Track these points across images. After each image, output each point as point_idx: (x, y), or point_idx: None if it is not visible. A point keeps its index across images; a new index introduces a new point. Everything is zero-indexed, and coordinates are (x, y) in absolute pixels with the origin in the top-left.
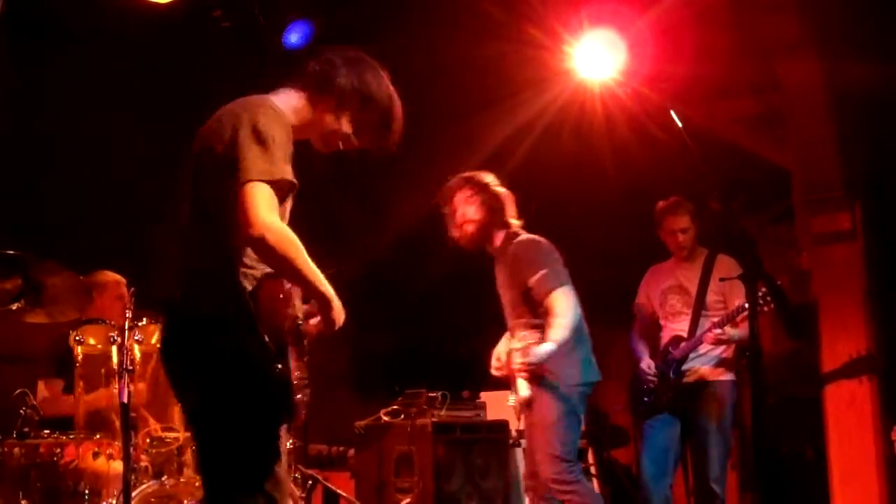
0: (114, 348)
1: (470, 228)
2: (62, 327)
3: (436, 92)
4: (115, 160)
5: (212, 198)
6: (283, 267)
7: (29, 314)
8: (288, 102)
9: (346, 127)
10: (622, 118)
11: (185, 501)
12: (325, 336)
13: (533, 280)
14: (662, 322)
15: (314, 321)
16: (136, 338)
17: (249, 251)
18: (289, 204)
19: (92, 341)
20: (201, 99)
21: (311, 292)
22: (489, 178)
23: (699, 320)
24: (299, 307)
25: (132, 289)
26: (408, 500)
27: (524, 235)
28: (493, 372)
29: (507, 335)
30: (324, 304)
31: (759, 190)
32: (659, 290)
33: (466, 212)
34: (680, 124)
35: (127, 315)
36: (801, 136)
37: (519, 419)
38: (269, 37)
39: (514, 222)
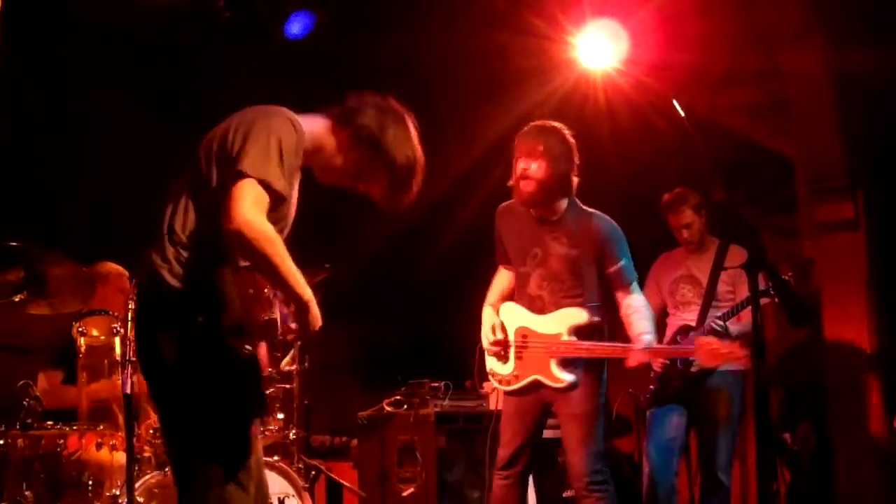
0: (116, 339)
1: (531, 186)
2: (65, 318)
3: (439, 82)
4: (120, 151)
5: (211, 184)
6: (259, 263)
7: (31, 305)
8: (310, 123)
9: (344, 165)
10: (625, 108)
11: None
12: (302, 340)
13: (619, 265)
14: (671, 311)
15: (293, 325)
16: None
17: None
18: (289, 210)
19: (94, 332)
20: (205, 89)
21: (287, 292)
22: (568, 135)
23: (709, 310)
24: (276, 310)
25: (135, 280)
26: (410, 489)
27: (599, 213)
28: (489, 346)
29: (491, 307)
30: (300, 306)
31: (762, 179)
32: (669, 280)
33: (532, 167)
34: (682, 113)
35: (129, 306)
36: (804, 124)
37: (495, 404)
38: (270, 27)
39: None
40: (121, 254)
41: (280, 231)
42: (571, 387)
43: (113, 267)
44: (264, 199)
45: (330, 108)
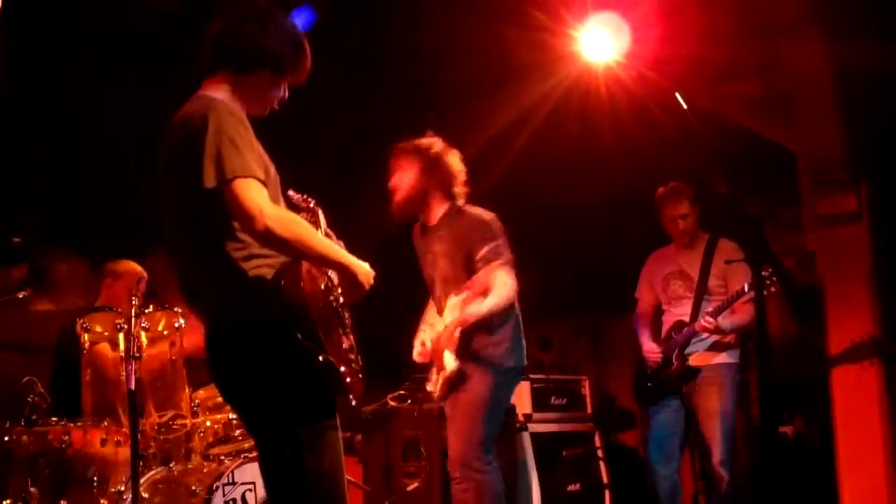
0: (121, 335)
1: (397, 196)
2: (69, 315)
3: (441, 75)
4: (125, 147)
5: (196, 210)
6: (296, 250)
7: (35, 302)
8: (226, 93)
9: (285, 90)
10: (627, 101)
11: (193, 487)
12: (359, 301)
13: (483, 251)
14: (665, 307)
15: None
16: (142, 325)
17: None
18: (280, 202)
19: (98, 329)
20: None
21: (329, 266)
22: (437, 146)
23: (701, 305)
24: (332, 278)
25: (142, 277)
26: (415, 484)
27: (475, 208)
28: (416, 358)
29: (427, 323)
30: (346, 274)
31: (765, 172)
32: (661, 276)
33: (401, 179)
34: (685, 106)
35: (133, 302)
36: (806, 117)
37: (441, 398)
38: None
39: (459, 193)
40: (132, 252)
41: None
42: (458, 375)
43: (129, 265)
44: (262, 190)
45: (213, 66)
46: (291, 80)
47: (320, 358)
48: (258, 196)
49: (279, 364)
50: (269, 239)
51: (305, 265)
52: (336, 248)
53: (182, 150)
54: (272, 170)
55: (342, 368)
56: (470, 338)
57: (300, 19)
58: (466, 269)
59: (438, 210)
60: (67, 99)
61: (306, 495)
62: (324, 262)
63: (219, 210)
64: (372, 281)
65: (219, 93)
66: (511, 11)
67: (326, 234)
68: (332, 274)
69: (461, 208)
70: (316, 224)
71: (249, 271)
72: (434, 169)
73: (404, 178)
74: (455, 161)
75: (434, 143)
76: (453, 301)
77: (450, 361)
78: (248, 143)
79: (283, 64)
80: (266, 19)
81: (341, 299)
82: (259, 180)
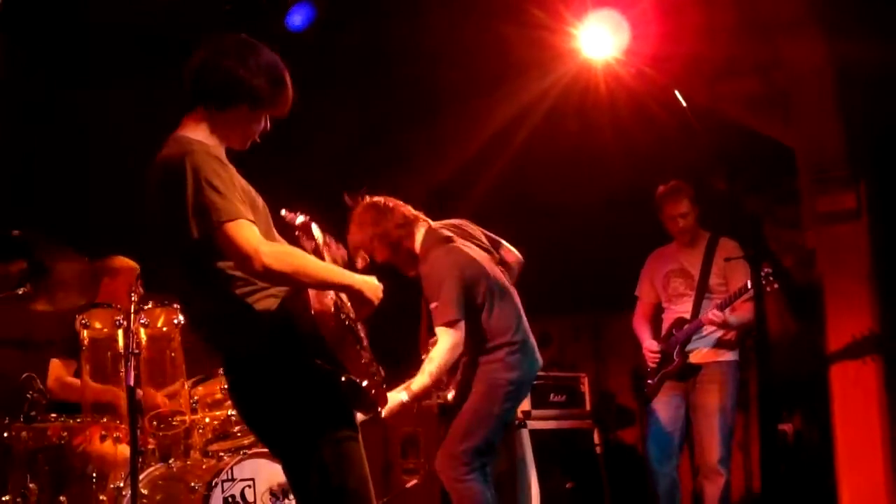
0: (119, 332)
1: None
2: (69, 311)
3: (440, 73)
4: (126, 143)
5: (190, 257)
6: (298, 281)
7: (33, 301)
8: (204, 130)
9: (266, 122)
10: (626, 98)
11: (192, 483)
12: (369, 315)
13: (431, 308)
14: (665, 305)
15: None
16: (142, 321)
17: None
18: (272, 232)
19: (98, 325)
20: None
21: (334, 289)
22: (373, 211)
23: (702, 302)
24: (342, 296)
25: (140, 273)
26: (414, 480)
27: (429, 257)
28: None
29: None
30: (351, 293)
31: (764, 169)
32: (662, 274)
33: (376, 255)
34: (684, 104)
35: (133, 299)
36: (806, 114)
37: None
38: (271, 19)
39: (405, 235)
40: (130, 248)
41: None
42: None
43: (126, 262)
44: (252, 228)
45: (193, 103)
46: (272, 113)
47: (343, 378)
48: (251, 236)
49: (300, 390)
50: (269, 276)
51: (307, 295)
52: (337, 271)
53: (164, 200)
54: (259, 201)
55: (365, 383)
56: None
57: (299, 17)
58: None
59: (414, 261)
60: (68, 95)
61: None
62: (327, 286)
63: (213, 254)
64: (380, 294)
65: (196, 132)
66: (510, 9)
67: (325, 244)
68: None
69: (416, 259)
70: (310, 238)
71: (255, 304)
72: (375, 228)
73: (378, 255)
74: (383, 212)
75: (372, 202)
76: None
77: (393, 397)
78: (229, 185)
79: (261, 99)
80: (245, 53)
81: (353, 315)
82: (248, 220)
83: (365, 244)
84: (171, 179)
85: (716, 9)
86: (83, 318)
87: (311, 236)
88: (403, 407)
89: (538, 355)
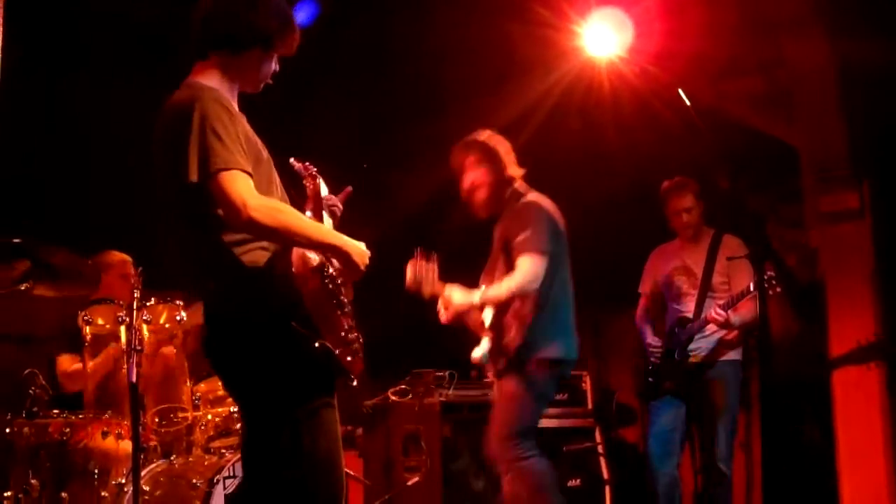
0: (122, 328)
1: (482, 194)
2: (71, 306)
3: (444, 71)
4: (121, 143)
5: (186, 200)
6: (284, 238)
7: (37, 290)
8: (216, 76)
9: (276, 64)
10: (629, 96)
11: (194, 480)
12: (357, 280)
13: (517, 240)
14: (668, 303)
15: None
16: (144, 318)
17: None
18: (271, 175)
19: (100, 321)
20: None
21: (321, 249)
22: (485, 136)
23: (705, 301)
24: (328, 259)
25: (139, 268)
26: (415, 478)
27: (530, 196)
28: (442, 317)
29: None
30: (339, 255)
31: (767, 168)
32: (665, 272)
33: (475, 177)
34: (687, 102)
35: (135, 294)
36: (809, 114)
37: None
38: None
39: (516, 175)
40: (126, 243)
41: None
42: (483, 360)
43: (115, 255)
44: (247, 181)
45: (203, 50)
46: (282, 53)
47: (316, 344)
48: (242, 188)
49: (273, 351)
50: (254, 229)
51: (298, 249)
52: (326, 231)
53: (169, 141)
54: (264, 154)
55: (337, 351)
56: (504, 329)
57: (303, 13)
58: (506, 257)
59: (504, 198)
60: (68, 96)
61: (302, 478)
62: (314, 245)
63: (208, 201)
64: (367, 261)
65: (208, 78)
66: (514, 7)
67: (328, 202)
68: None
69: (516, 195)
70: (317, 189)
71: (243, 255)
72: (493, 159)
73: (477, 176)
74: (505, 146)
75: (484, 133)
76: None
77: (481, 346)
78: (232, 135)
79: (273, 40)
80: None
81: (339, 280)
82: (244, 171)
83: (475, 168)
84: (178, 122)
85: (719, 7)
86: (85, 315)
87: (317, 187)
88: (471, 307)
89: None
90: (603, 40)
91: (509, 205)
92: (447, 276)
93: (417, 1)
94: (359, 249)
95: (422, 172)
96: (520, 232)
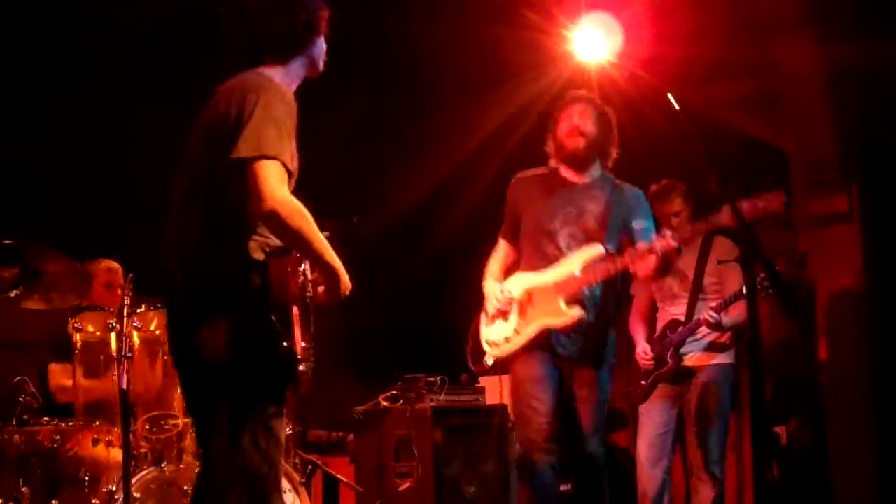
0: (112, 335)
1: (581, 143)
2: (61, 314)
3: (434, 75)
4: (116, 147)
5: (219, 172)
6: (295, 240)
7: (27, 300)
8: (280, 74)
9: (325, 45)
10: (619, 101)
11: (185, 487)
12: (330, 305)
13: (643, 224)
14: (659, 305)
15: (321, 289)
16: (134, 325)
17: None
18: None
19: (90, 328)
20: (200, 83)
21: (320, 264)
22: (613, 114)
23: (696, 304)
24: (308, 275)
25: (130, 275)
26: (407, 484)
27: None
28: (495, 306)
29: (493, 276)
30: (331, 276)
31: (757, 172)
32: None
33: (583, 124)
34: (677, 107)
35: (125, 302)
36: (798, 117)
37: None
38: None
39: (613, 159)
40: (118, 250)
41: None
42: (580, 325)
43: (102, 263)
44: (285, 176)
45: (263, 55)
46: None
47: (284, 343)
48: (278, 179)
49: (250, 334)
50: (272, 221)
51: (291, 261)
52: (331, 250)
53: (226, 114)
54: (296, 166)
55: (299, 356)
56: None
57: None
58: (616, 235)
59: (594, 170)
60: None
61: (239, 474)
62: (317, 258)
63: (238, 182)
64: (348, 291)
65: (273, 74)
66: (503, 11)
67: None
68: (309, 275)
69: (617, 180)
70: None
71: (245, 241)
72: (609, 133)
73: (590, 128)
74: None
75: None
76: (590, 251)
77: (570, 310)
78: (288, 133)
79: (317, 30)
80: None
81: (313, 299)
82: (285, 167)
83: (598, 120)
84: (243, 100)
85: (708, 12)
86: (75, 322)
87: None
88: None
89: None
90: (592, 45)
91: (611, 185)
92: (449, 273)
93: (405, 5)
94: (346, 278)
95: (411, 178)
96: (643, 219)
